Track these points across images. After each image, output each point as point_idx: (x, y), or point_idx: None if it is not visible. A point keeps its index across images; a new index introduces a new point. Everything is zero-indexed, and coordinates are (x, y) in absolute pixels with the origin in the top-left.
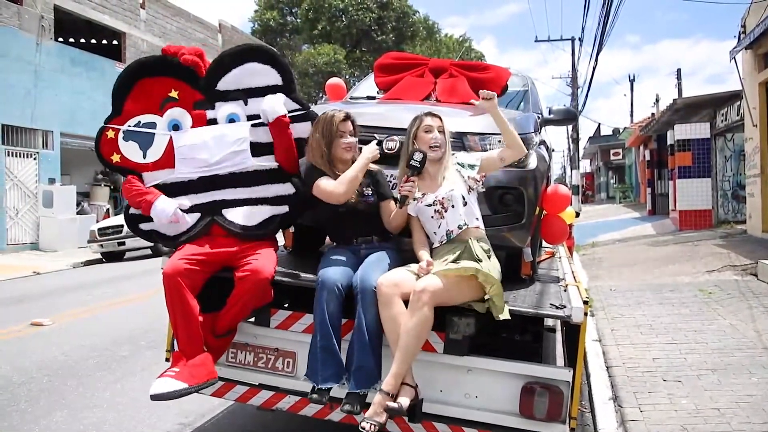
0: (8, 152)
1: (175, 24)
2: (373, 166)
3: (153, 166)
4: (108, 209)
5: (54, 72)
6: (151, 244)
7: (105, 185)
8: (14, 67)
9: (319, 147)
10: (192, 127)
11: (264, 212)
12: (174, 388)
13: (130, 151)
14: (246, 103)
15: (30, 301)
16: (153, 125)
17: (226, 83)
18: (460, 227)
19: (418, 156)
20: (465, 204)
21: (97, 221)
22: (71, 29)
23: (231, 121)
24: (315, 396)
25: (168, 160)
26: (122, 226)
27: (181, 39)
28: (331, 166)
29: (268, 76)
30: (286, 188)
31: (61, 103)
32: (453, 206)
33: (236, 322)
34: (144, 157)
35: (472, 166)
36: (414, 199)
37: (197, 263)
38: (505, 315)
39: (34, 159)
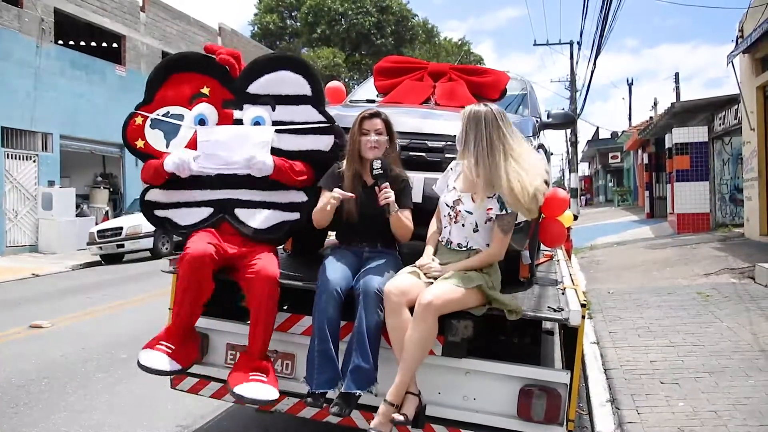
0: (8, 154)
1: (175, 27)
2: (404, 174)
3: None
4: (107, 212)
5: (54, 75)
6: (150, 247)
7: (104, 188)
8: (14, 70)
9: (350, 145)
10: (218, 125)
11: (276, 217)
12: (170, 367)
13: (155, 139)
14: (274, 109)
15: (29, 303)
16: (180, 117)
17: (257, 87)
18: (459, 246)
19: (377, 164)
20: (476, 230)
21: (97, 223)
22: (71, 32)
23: (256, 123)
24: (310, 399)
25: None
26: (121, 228)
27: (181, 42)
28: (354, 164)
29: (299, 86)
30: (300, 196)
31: (60, 106)
32: (463, 225)
33: (270, 334)
34: (167, 147)
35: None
36: (447, 186)
37: (217, 248)
38: (514, 314)
39: (34, 161)
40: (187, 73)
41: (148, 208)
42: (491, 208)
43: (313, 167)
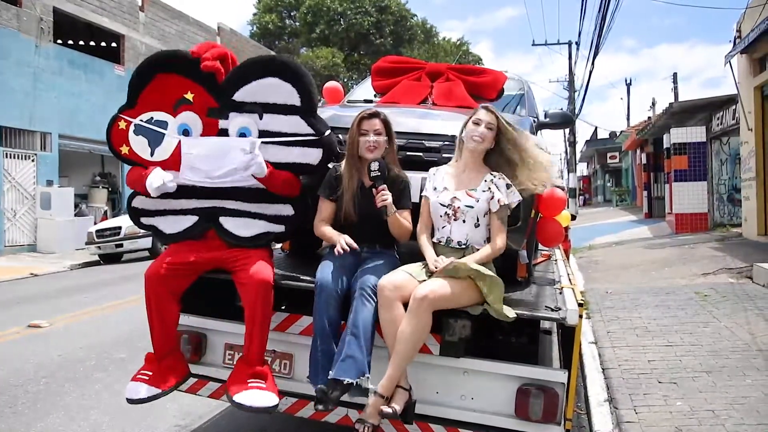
0: (6, 154)
1: (174, 27)
2: (403, 175)
3: (159, 165)
4: (106, 211)
5: (53, 74)
6: (149, 246)
7: (103, 187)
8: (13, 69)
9: (349, 145)
10: (202, 135)
11: (259, 227)
12: (148, 393)
13: (139, 146)
14: (261, 118)
15: (27, 302)
16: (164, 124)
17: (243, 94)
18: (460, 244)
19: (374, 166)
20: (477, 225)
21: (95, 223)
22: (70, 31)
23: (242, 134)
24: (320, 407)
25: (174, 162)
26: (120, 228)
27: (180, 42)
28: (353, 165)
29: (288, 95)
30: (286, 209)
31: (59, 105)
32: (464, 221)
33: (266, 338)
34: (151, 155)
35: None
36: (434, 188)
37: (178, 269)
38: (509, 314)
39: (33, 161)
40: (171, 75)
41: (134, 214)
42: (493, 197)
43: (300, 180)
